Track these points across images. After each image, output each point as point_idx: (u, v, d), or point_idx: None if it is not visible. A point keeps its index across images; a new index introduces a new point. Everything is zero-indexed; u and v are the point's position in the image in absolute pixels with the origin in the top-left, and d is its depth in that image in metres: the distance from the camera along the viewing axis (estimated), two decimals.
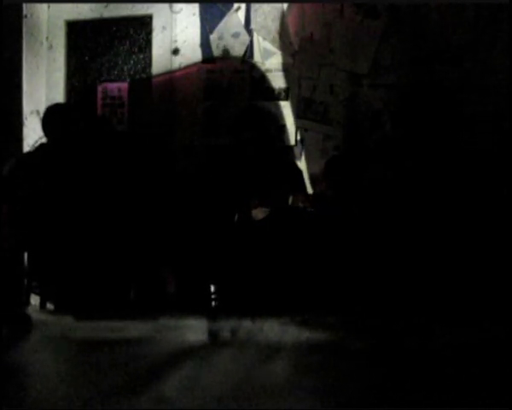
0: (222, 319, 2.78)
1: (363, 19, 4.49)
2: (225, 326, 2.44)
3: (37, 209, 3.89)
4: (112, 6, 4.98)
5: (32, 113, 4.94)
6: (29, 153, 4.30)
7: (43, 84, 5.11)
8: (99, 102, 5.02)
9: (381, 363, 1.76)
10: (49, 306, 4.06)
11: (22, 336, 2.11)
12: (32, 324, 2.45)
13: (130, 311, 3.63)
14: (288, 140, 4.63)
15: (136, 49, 5.01)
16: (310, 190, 4.40)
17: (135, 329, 2.28)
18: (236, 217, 3.96)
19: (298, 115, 4.64)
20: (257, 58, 4.72)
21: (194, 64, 4.84)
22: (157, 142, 4.85)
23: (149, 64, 4.97)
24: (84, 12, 5.06)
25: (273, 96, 4.68)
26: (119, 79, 5.02)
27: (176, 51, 4.88)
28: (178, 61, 4.88)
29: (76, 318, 2.47)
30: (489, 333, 2.18)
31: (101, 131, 4.35)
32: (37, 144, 4.33)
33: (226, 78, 4.77)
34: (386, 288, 3.51)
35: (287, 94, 4.67)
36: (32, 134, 4.81)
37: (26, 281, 3.99)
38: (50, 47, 5.13)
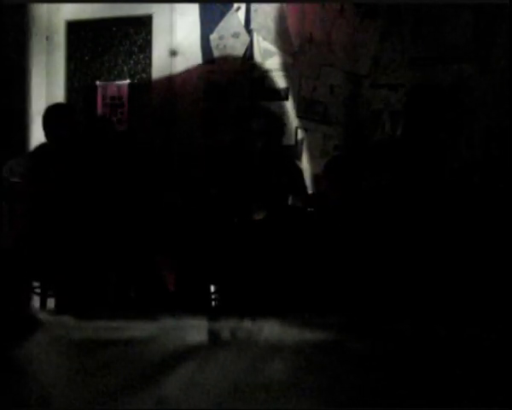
0: (222, 319, 2.77)
1: (363, 19, 4.49)
2: (225, 326, 2.44)
3: (38, 209, 3.89)
4: (112, 6, 4.99)
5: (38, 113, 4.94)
6: (30, 153, 4.30)
7: (44, 84, 5.12)
8: (99, 102, 5.02)
9: (380, 363, 1.76)
10: (49, 306, 4.06)
11: (24, 336, 2.11)
12: (40, 325, 2.45)
13: (130, 311, 3.63)
14: (288, 140, 4.63)
15: (136, 50, 5.02)
16: (310, 190, 4.41)
17: (135, 329, 2.28)
18: (236, 217, 3.96)
19: (298, 115, 4.64)
20: (257, 58, 4.73)
21: (194, 64, 4.84)
22: (157, 142, 4.86)
23: (149, 64, 4.97)
24: (85, 12, 5.07)
25: (273, 96, 4.69)
26: (119, 79, 5.02)
27: (175, 51, 4.88)
28: (178, 61, 4.88)
29: (76, 318, 2.47)
30: (489, 333, 2.18)
31: (102, 131, 4.35)
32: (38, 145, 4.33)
33: (226, 78, 4.77)
34: (386, 288, 3.51)
35: (287, 94, 4.67)
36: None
37: (26, 281, 3.99)
38: (50, 47, 5.14)
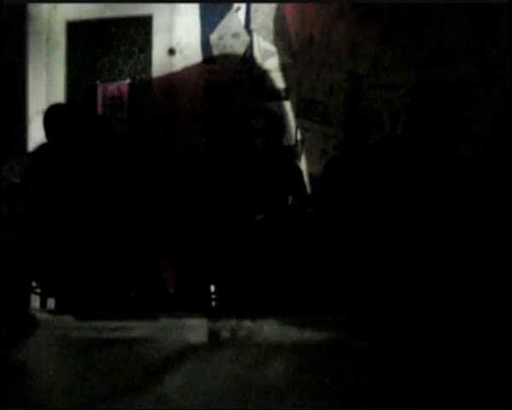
0: (222, 319, 2.78)
1: (363, 19, 4.49)
2: (225, 326, 2.44)
3: (38, 209, 3.89)
4: (112, 6, 4.99)
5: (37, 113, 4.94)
6: (30, 153, 4.31)
7: (44, 84, 5.12)
8: (99, 102, 5.02)
9: (381, 363, 1.76)
10: (50, 306, 4.06)
11: (23, 336, 2.11)
12: (37, 324, 2.46)
13: (130, 311, 3.63)
14: (288, 140, 4.63)
15: (136, 50, 5.02)
16: (310, 190, 4.41)
17: (135, 329, 2.28)
18: (236, 216, 3.96)
19: (298, 115, 4.64)
20: (257, 58, 4.73)
21: (195, 64, 4.84)
22: (157, 142, 4.86)
23: (149, 64, 4.97)
24: (85, 12, 5.07)
25: (273, 96, 4.69)
26: (119, 79, 5.02)
27: (175, 51, 4.88)
28: (178, 61, 4.88)
29: (76, 318, 2.48)
30: (489, 333, 2.18)
31: (102, 131, 4.35)
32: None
33: (226, 78, 4.77)
34: (386, 288, 3.51)
35: (287, 94, 4.67)
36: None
37: (26, 281, 3.99)
38: (51, 47, 5.14)
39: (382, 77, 4.46)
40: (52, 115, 4.12)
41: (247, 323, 2.37)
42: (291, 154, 4.57)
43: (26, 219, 3.92)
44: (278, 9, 4.67)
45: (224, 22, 4.77)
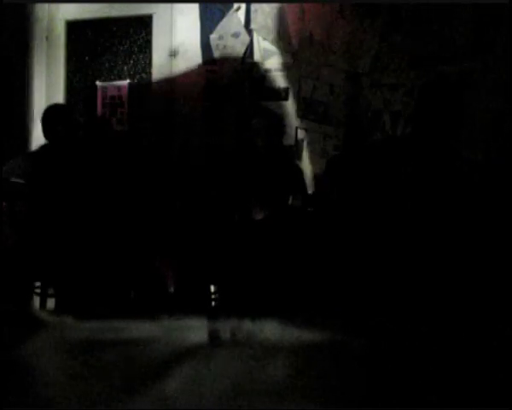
0: (222, 319, 2.77)
1: (363, 19, 4.49)
2: (225, 326, 2.44)
3: (38, 209, 3.89)
4: (112, 6, 4.99)
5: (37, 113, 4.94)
6: (30, 153, 4.30)
7: (44, 84, 5.12)
8: (99, 102, 5.02)
9: (380, 363, 1.76)
10: (49, 306, 4.06)
11: (23, 336, 2.11)
12: (40, 324, 2.45)
13: (130, 311, 3.63)
14: (288, 140, 4.63)
15: (136, 49, 5.02)
16: (310, 190, 4.41)
17: (135, 329, 2.28)
18: (236, 217, 3.96)
19: (298, 115, 4.64)
20: (257, 58, 4.73)
21: (194, 64, 4.84)
22: (157, 142, 4.86)
23: (149, 64, 4.97)
24: (85, 12, 5.07)
25: (273, 96, 4.69)
26: (119, 79, 5.02)
27: (175, 51, 4.88)
28: (178, 61, 4.88)
29: (76, 318, 2.47)
30: (489, 333, 2.18)
31: (101, 131, 4.35)
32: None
33: (226, 78, 4.77)
34: (386, 288, 3.50)
35: (287, 94, 4.67)
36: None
37: (26, 281, 3.99)
38: (51, 47, 5.14)
39: (382, 77, 4.46)
40: (50, 115, 4.12)
41: (247, 323, 2.37)
42: (291, 154, 4.57)
43: (26, 219, 3.92)
44: (278, 9, 4.67)
45: (224, 22, 4.77)
